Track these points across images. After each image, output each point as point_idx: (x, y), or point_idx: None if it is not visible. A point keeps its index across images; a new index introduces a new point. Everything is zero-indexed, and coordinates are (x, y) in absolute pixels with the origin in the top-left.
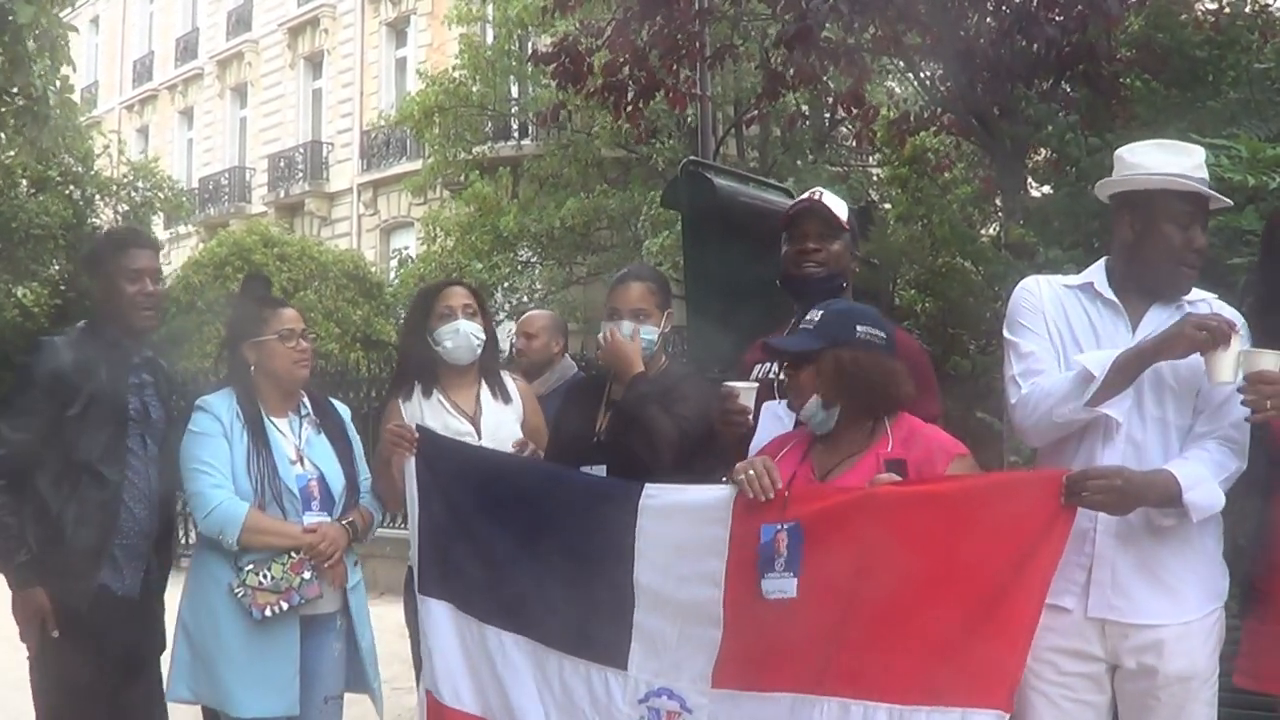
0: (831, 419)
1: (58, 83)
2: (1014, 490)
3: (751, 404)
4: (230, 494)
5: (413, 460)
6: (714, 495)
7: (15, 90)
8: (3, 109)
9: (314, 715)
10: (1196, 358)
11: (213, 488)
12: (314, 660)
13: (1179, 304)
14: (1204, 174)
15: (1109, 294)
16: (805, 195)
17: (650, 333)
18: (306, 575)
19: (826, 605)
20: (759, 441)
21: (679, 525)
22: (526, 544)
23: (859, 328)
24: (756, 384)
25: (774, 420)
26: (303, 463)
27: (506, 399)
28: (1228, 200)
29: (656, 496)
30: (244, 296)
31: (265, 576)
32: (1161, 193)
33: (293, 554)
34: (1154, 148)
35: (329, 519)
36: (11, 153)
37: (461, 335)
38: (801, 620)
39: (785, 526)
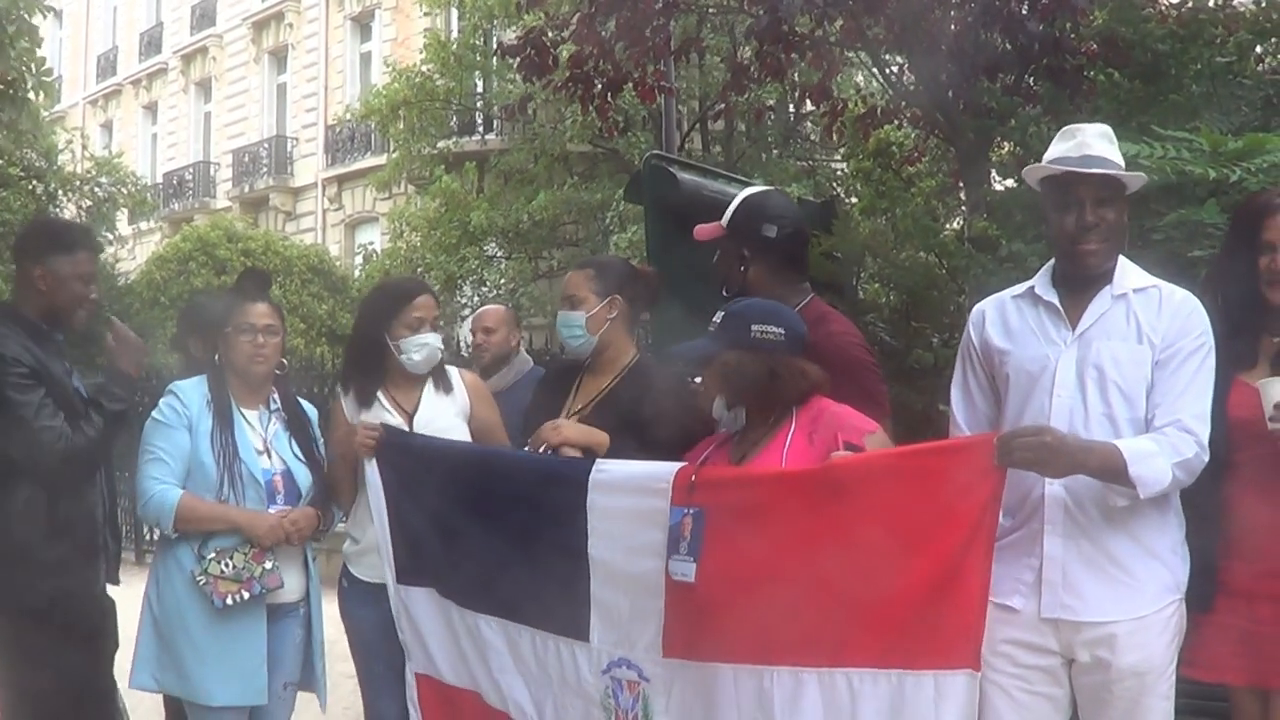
0: (739, 417)
1: (33, 66)
2: (951, 457)
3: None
4: (166, 484)
5: (374, 457)
6: (656, 470)
7: None
8: None
9: (273, 701)
10: (1140, 350)
11: (151, 478)
12: (277, 647)
13: (1121, 292)
14: (1091, 151)
15: (1048, 296)
16: None
17: (578, 318)
18: (268, 565)
19: (728, 589)
20: None
21: (625, 499)
22: (491, 528)
23: (754, 327)
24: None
25: None
26: (269, 455)
27: (447, 389)
28: (1115, 168)
29: (606, 471)
30: (233, 288)
31: (227, 565)
32: (1043, 182)
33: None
34: (1054, 141)
35: None
36: None
37: (430, 350)
38: (707, 601)
39: (691, 511)
